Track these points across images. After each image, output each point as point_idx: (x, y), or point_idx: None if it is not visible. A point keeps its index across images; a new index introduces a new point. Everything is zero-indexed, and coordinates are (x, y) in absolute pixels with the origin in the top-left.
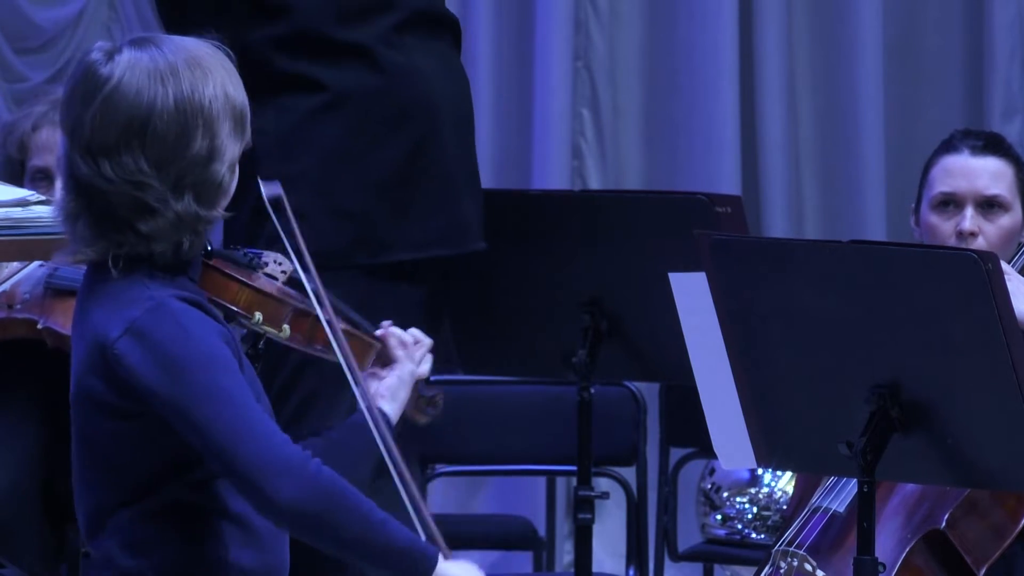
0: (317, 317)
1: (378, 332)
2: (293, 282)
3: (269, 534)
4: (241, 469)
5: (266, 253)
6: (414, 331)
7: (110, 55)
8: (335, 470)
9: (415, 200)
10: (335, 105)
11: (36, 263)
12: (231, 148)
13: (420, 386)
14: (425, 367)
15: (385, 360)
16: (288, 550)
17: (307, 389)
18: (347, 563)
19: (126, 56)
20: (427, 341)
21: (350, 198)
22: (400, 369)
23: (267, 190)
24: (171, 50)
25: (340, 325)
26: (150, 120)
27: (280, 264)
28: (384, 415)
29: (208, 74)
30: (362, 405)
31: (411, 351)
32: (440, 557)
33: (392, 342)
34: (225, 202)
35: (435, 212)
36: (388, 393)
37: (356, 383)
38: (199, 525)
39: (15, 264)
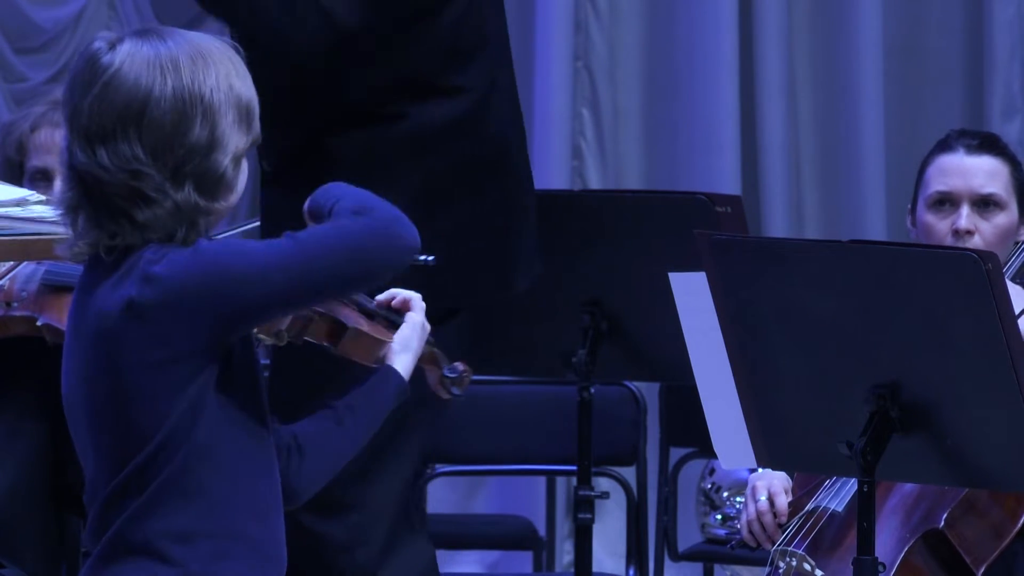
0: (318, 314)
1: (379, 297)
2: None
3: (275, 518)
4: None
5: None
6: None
7: (112, 45)
8: (354, 434)
9: (476, 254)
10: (417, 147)
11: None
12: (234, 140)
13: (445, 368)
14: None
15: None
16: (285, 540)
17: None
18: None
19: (127, 46)
20: (416, 294)
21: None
22: (410, 319)
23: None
24: (174, 41)
25: (358, 320)
26: (147, 107)
27: None
28: (393, 371)
29: (211, 65)
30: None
31: (416, 303)
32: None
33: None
34: (231, 196)
35: (489, 266)
36: (399, 345)
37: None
38: (206, 497)
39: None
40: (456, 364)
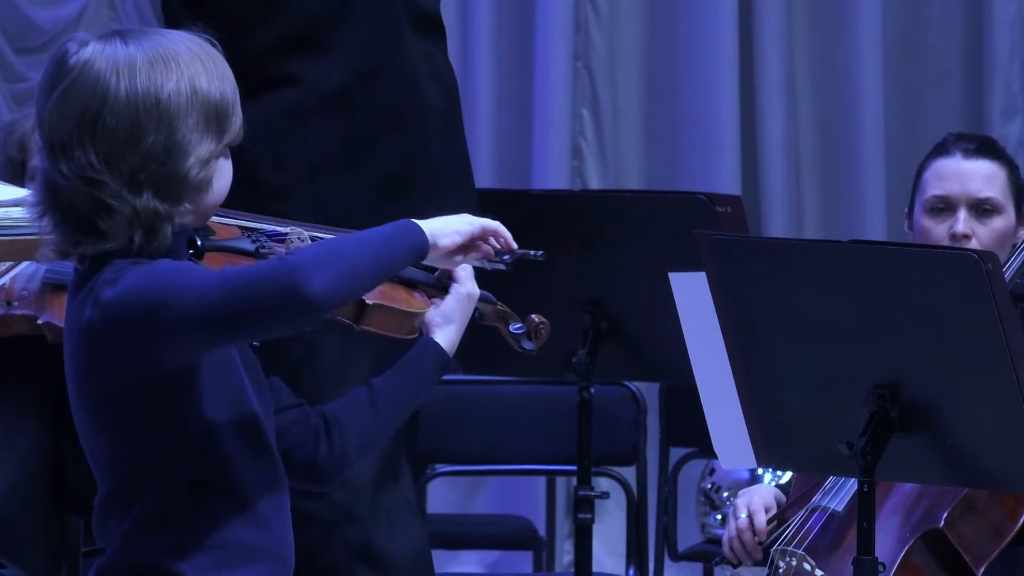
0: None
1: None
2: None
3: (276, 520)
4: (264, 298)
5: (292, 230)
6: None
7: (79, 47)
8: (387, 416)
9: (405, 212)
10: (324, 108)
11: None
12: (199, 143)
13: (511, 324)
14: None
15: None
16: (292, 539)
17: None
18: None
19: (90, 49)
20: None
21: (343, 210)
22: (453, 290)
23: None
24: (137, 44)
25: (385, 294)
26: (101, 114)
27: (303, 241)
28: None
29: (173, 68)
30: None
31: (459, 271)
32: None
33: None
34: (203, 197)
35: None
36: (441, 319)
37: None
38: (204, 506)
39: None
40: (532, 317)
